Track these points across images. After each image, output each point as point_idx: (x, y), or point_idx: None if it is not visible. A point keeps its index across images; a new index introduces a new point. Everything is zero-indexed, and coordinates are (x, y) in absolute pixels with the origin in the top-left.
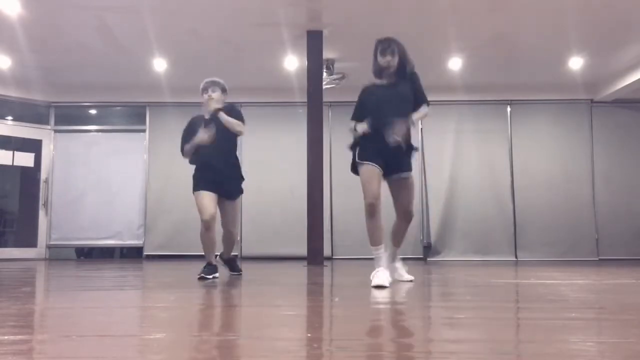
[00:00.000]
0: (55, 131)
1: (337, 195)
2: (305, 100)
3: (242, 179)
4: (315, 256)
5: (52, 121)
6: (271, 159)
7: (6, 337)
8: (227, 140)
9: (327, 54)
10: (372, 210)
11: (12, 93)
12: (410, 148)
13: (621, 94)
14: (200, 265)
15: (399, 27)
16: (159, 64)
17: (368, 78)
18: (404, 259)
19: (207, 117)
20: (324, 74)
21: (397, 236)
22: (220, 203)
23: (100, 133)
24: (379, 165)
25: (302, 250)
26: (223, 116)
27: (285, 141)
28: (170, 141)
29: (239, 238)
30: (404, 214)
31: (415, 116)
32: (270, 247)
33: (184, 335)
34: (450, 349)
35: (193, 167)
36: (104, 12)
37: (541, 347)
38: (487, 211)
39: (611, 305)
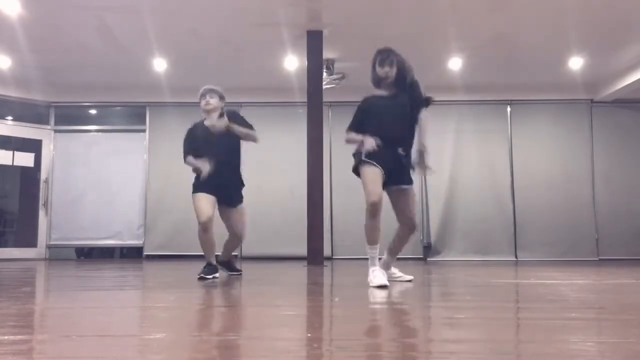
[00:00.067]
0: (55, 131)
1: (337, 195)
2: (305, 100)
3: (242, 185)
4: (315, 256)
5: (52, 121)
6: (271, 159)
7: (6, 337)
8: (231, 150)
9: (327, 54)
10: (374, 210)
11: (12, 93)
12: (408, 159)
13: (621, 94)
14: (200, 265)
15: (399, 27)
16: (159, 64)
17: (368, 78)
18: (404, 259)
19: (207, 124)
20: (324, 74)
21: (398, 246)
22: (223, 210)
23: (100, 133)
24: (383, 172)
25: (302, 250)
26: (239, 131)
27: (285, 141)
28: (170, 141)
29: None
30: (409, 224)
31: (427, 141)
32: (270, 247)
33: (184, 335)
34: (450, 349)
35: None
36: (104, 12)
37: (541, 347)
38: (487, 211)
39: (611, 305)
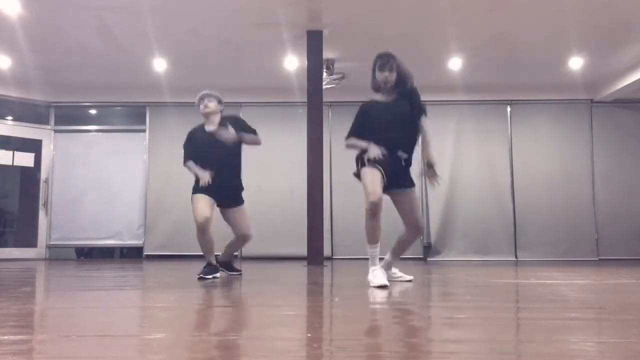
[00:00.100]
0: (55, 131)
1: (337, 195)
2: (305, 100)
3: (242, 188)
4: (315, 256)
5: (52, 121)
6: (271, 159)
7: (6, 337)
8: (232, 154)
9: (327, 54)
10: (374, 211)
11: (12, 93)
12: (409, 162)
13: (621, 94)
14: (200, 265)
15: (399, 27)
16: (159, 64)
17: (368, 78)
18: (404, 259)
19: (208, 129)
20: (324, 74)
21: (402, 248)
22: (225, 213)
23: (100, 133)
24: (383, 175)
25: (302, 250)
26: (246, 138)
27: (285, 141)
28: (170, 141)
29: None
30: (415, 227)
31: (433, 154)
32: (270, 247)
33: (184, 335)
34: (450, 349)
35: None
36: (104, 12)
37: (541, 347)
38: (487, 211)
39: (611, 305)
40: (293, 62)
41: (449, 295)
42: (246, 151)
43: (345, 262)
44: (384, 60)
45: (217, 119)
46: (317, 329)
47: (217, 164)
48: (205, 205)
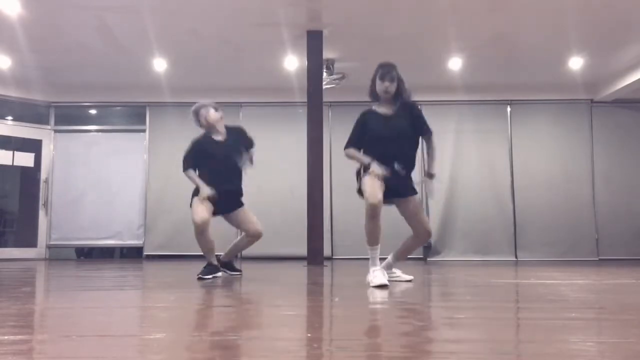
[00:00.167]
0: (55, 131)
1: (337, 195)
2: (305, 100)
3: (241, 194)
4: (315, 256)
5: (52, 121)
6: (271, 159)
7: (6, 337)
8: (231, 165)
9: (327, 54)
10: (374, 212)
11: (12, 93)
12: (408, 174)
13: (621, 94)
14: (200, 266)
15: (399, 27)
16: (159, 64)
17: (368, 78)
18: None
19: (217, 139)
20: (324, 74)
21: (407, 251)
22: (227, 218)
23: (100, 133)
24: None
25: (302, 250)
26: (252, 159)
27: (285, 141)
28: (170, 141)
29: (238, 237)
30: (422, 232)
31: (434, 170)
32: (270, 247)
33: (184, 335)
34: (450, 349)
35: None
36: (104, 12)
37: (541, 347)
38: (487, 211)
39: (611, 305)
40: (293, 62)
41: (449, 295)
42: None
43: (345, 262)
44: (386, 70)
45: (222, 127)
46: (317, 329)
47: (226, 174)
48: (204, 208)
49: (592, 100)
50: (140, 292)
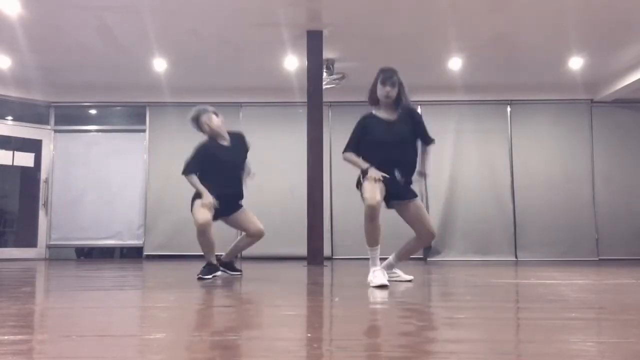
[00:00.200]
0: (55, 131)
1: (337, 195)
2: (305, 100)
3: (242, 197)
4: (315, 256)
5: (52, 121)
6: (271, 159)
7: (6, 337)
8: (237, 169)
9: (327, 54)
10: (373, 214)
11: (12, 93)
12: (408, 180)
13: (621, 94)
14: (200, 265)
15: (399, 27)
16: (159, 64)
17: (367, 78)
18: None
19: (222, 143)
20: (324, 74)
21: (410, 252)
22: (228, 220)
23: (100, 133)
24: (384, 188)
25: (302, 250)
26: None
27: (285, 141)
28: (170, 141)
29: (238, 237)
30: (428, 234)
31: (428, 170)
32: (270, 247)
33: (184, 335)
34: (450, 349)
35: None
36: (104, 12)
37: (541, 347)
38: (487, 211)
39: (611, 305)
40: (293, 62)
41: (449, 295)
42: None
43: (345, 262)
44: (387, 75)
45: (225, 132)
46: (317, 329)
47: (231, 178)
48: (206, 210)
49: (592, 100)
50: (140, 292)
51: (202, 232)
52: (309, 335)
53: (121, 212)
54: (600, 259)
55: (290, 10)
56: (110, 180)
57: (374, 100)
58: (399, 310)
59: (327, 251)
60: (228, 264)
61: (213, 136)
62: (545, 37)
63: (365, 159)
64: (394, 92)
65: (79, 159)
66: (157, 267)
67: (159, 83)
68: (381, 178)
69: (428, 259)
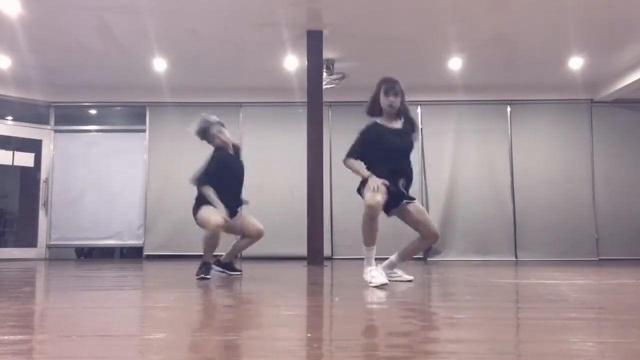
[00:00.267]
0: (55, 131)
1: (337, 195)
2: (305, 100)
3: (241, 203)
4: (315, 256)
5: (52, 121)
6: (271, 159)
7: (6, 337)
8: (242, 178)
9: (327, 54)
10: (373, 214)
11: (12, 93)
12: (408, 188)
13: (621, 94)
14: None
15: (399, 27)
16: (159, 64)
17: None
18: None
19: (230, 152)
20: (324, 74)
21: (413, 252)
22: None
23: (100, 133)
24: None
25: (302, 250)
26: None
27: (285, 141)
28: (170, 141)
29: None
30: (431, 234)
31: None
32: (270, 247)
33: (184, 335)
34: (450, 349)
35: (193, 168)
36: (104, 12)
37: (541, 347)
38: (487, 211)
39: (611, 305)
40: (293, 62)
41: (449, 295)
42: (247, 151)
43: (345, 262)
44: (390, 85)
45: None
46: (317, 329)
47: (237, 187)
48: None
49: (592, 100)
50: (140, 292)
51: (215, 235)
52: (309, 335)
53: (121, 212)
54: (600, 259)
55: (290, 10)
56: (110, 180)
57: (374, 110)
58: (399, 310)
59: (327, 251)
60: (228, 265)
61: (222, 146)
62: (545, 37)
63: (370, 167)
64: (397, 102)
65: (79, 159)
66: (157, 267)
67: (159, 83)
68: (382, 186)
69: (428, 259)
